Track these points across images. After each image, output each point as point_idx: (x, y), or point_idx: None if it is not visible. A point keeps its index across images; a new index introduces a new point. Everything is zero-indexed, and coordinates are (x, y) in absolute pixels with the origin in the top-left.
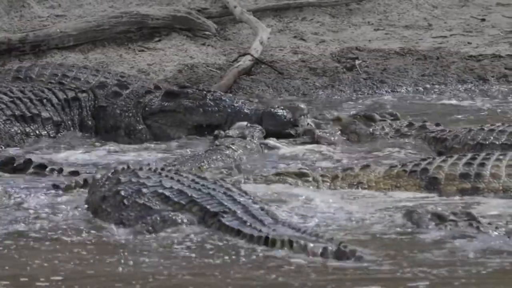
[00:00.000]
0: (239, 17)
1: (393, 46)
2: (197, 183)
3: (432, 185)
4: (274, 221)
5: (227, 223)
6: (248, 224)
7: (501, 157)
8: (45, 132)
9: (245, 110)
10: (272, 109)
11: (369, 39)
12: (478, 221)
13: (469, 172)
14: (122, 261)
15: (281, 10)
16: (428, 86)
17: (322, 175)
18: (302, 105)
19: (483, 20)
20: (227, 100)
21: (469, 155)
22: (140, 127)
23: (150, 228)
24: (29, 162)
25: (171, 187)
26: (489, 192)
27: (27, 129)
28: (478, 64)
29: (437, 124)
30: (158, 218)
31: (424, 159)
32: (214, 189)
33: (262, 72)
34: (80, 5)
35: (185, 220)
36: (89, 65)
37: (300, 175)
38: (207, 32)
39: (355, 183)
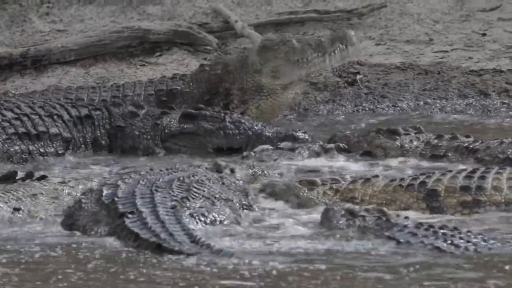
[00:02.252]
0: (240, 32)
1: (394, 61)
2: (147, 181)
3: (431, 197)
4: (177, 225)
5: (128, 224)
6: (148, 226)
7: (501, 170)
8: (52, 149)
9: (267, 133)
10: (294, 132)
11: (370, 54)
12: (388, 216)
13: (470, 185)
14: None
15: (283, 24)
16: (429, 100)
17: (330, 188)
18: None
19: (484, 35)
20: (247, 122)
21: (470, 169)
22: (158, 151)
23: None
24: (30, 175)
25: (116, 186)
26: (490, 205)
27: (31, 148)
28: (479, 78)
29: (467, 136)
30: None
31: (422, 174)
32: (146, 187)
33: None
34: (81, 20)
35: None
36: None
37: (310, 183)
38: (208, 47)
39: (348, 198)
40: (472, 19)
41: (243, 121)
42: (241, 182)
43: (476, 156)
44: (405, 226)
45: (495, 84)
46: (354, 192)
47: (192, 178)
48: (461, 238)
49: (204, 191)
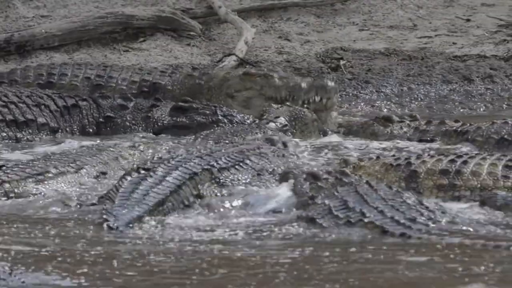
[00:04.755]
0: (224, 17)
1: (378, 47)
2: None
3: (411, 178)
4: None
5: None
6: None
7: (488, 156)
8: (39, 138)
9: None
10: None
11: (353, 39)
12: (345, 177)
13: (449, 169)
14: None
15: (266, 10)
16: (413, 86)
17: (353, 166)
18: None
19: (468, 20)
20: (238, 116)
21: (457, 154)
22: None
23: None
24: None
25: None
26: (465, 190)
27: (18, 135)
28: (463, 64)
29: (456, 121)
30: None
31: (419, 155)
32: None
33: None
34: (65, 6)
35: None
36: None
37: (344, 161)
38: (192, 33)
39: (355, 174)
40: (456, 4)
41: (234, 114)
42: (294, 156)
43: (466, 138)
44: (342, 185)
45: (479, 70)
46: (361, 170)
47: (252, 151)
48: (366, 205)
49: (257, 164)
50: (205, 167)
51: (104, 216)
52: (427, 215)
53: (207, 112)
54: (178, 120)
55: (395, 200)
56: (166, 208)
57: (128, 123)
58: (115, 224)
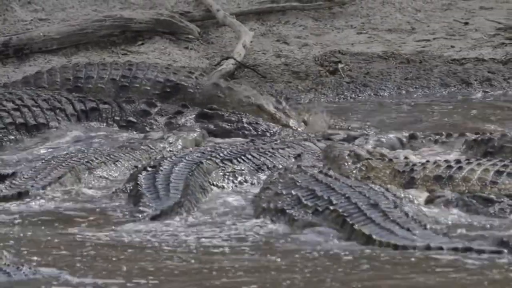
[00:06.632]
0: (222, 20)
1: (376, 50)
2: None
3: (410, 184)
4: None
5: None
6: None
7: (486, 162)
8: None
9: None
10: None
11: (352, 43)
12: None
13: (443, 175)
14: None
15: (264, 13)
16: (411, 89)
17: (364, 164)
18: None
19: (466, 23)
20: (263, 124)
21: (456, 160)
22: None
23: None
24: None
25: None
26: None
27: (27, 138)
28: (461, 67)
29: (476, 133)
30: None
31: (427, 162)
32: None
33: (245, 76)
34: (63, 9)
35: None
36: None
37: (356, 156)
38: (190, 36)
39: (368, 175)
40: (454, 7)
41: (260, 122)
42: None
43: (492, 145)
44: (296, 172)
45: (477, 73)
46: (373, 171)
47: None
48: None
49: (258, 159)
50: (208, 157)
51: (140, 208)
52: (392, 201)
53: (233, 119)
54: (204, 126)
55: (362, 187)
56: (191, 192)
57: (148, 128)
58: (157, 212)
